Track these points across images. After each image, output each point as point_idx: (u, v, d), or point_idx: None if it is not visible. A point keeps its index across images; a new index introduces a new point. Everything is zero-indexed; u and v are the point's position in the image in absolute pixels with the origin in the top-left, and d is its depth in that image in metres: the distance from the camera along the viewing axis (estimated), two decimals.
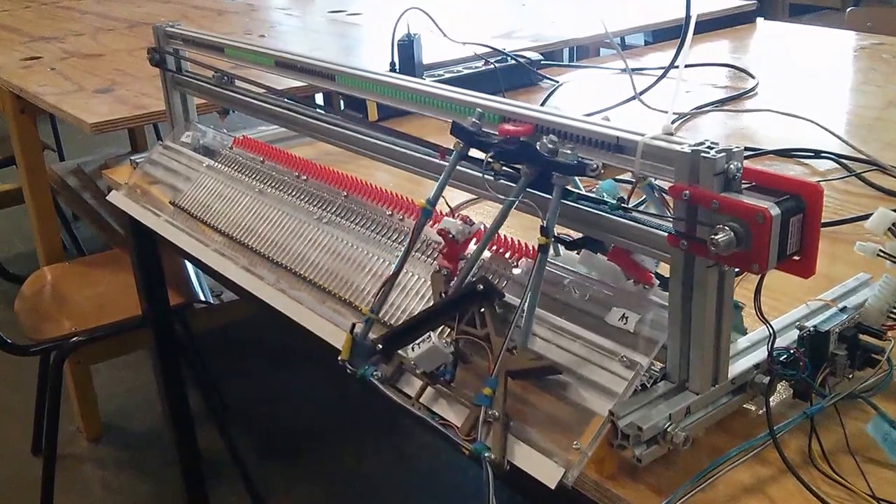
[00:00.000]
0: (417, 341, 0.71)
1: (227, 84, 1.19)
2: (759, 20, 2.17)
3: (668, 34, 2.06)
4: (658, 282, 0.70)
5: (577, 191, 0.72)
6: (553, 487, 0.62)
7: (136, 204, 1.23)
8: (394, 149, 0.93)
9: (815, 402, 0.66)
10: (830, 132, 1.28)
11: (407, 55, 1.52)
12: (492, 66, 1.61)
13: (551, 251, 0.75)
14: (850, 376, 0.68)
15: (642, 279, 0.70)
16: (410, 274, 0.82)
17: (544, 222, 0.69)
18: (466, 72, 1.59)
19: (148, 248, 1.41)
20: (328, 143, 1.04)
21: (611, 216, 0.69)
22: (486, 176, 0.74)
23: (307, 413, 2.16)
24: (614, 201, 0.70)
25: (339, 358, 0.76)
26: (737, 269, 0.63)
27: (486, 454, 0.63)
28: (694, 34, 0.86)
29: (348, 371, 0.75)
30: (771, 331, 0.64)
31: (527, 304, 0.70)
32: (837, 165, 1.19)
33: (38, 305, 1.76)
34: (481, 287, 0.71)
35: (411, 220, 0.87)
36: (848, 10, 2.57)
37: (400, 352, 0.73)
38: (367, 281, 0.86)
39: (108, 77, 1.68)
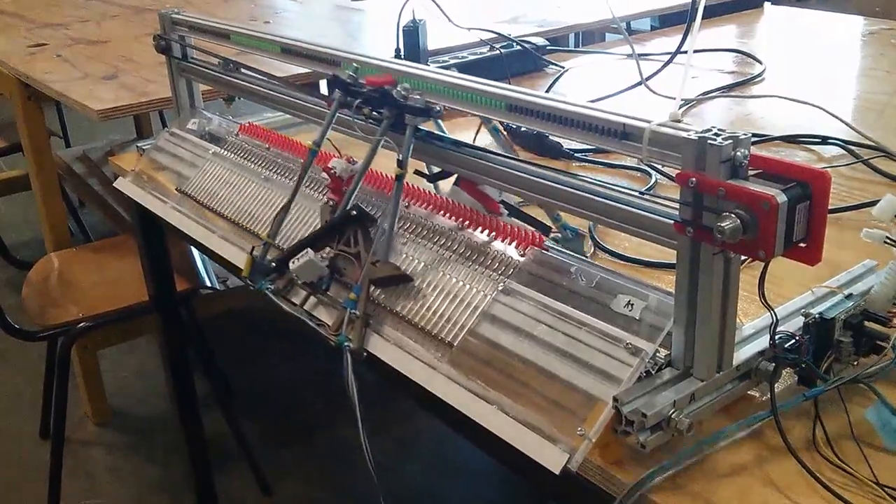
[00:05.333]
0: (297, 256, 0.84)
1: (232, 71, 1.19)
2: (767, 5, 2.16)
3: (674, 19, 2.06)
4: (506, 211, 0.84)
5: (442, 134, 0.86)
6: (557, 473, 0.62)
7: (142, 190, 1.23)
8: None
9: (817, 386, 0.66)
10: (837, 118, 1.28)
11: (412, 41, 1.51)
12: (497, 51, 1.61)
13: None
14: (856, 363, 0.68)
15: (491, 208, 0.84)
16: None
17: (400, 156, 0.82)
18: (472, 58, 1.58)
19: (154, 234, 1.42)
20: (334, 130, 1.04)
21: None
22: (356, 119, 0.87)
23: (312, 398, 2.17)
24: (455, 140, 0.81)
25: (241, 276, 0.89)
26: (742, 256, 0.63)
27: (347, 343, 0.78)
28: (701, 19, 0.86)
29: (248, 286, 0.89)
30: (773, 317, 0.65)
31: (387, 224, 0.83)
32: (844, 151, 1.18)
33: (46, 291, 1.77)
34: (354, 213, 0.85)
35: (417, 205, 0.87)
36: None
37: (290, 270, 0.86)
38: None
39: (114, 64, 1.68)
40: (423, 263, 0.82)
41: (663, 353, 0.67)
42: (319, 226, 0.90)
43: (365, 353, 0.78)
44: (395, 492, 1.85)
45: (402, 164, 0.82)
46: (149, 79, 1.56)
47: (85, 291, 1.75)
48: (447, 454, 1.98)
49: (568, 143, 1.21)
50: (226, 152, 1.15)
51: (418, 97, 0.82)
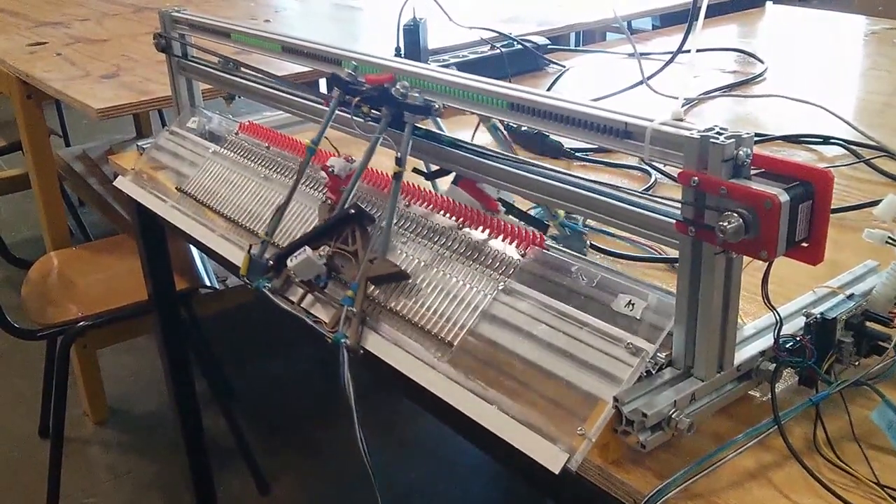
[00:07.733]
0: (295, 255, 0.84)
1: (232, 69, 1.19)
2: (768, 4, 2.16)
3: (675, 18, 2.05)
4: (504, 208, 0.84)
5: (440, 133, 0.87)
6: (557, 472, 0.62)
7: (142, 189, 1.22)
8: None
9: (820, 389, 0.65)
10: (839, 118, 1.27)
11: (412, 40, 1.51)
12: (498, 50, 1.60)
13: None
14: (857, 364, 0.68)
15: (489, 207, 0.84)
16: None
17: (398, 154, 0.82)
18: (472, 56, 1.58)
19: (154, 233, 1.41)
20: (333, 128, 1.04)
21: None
22: (354, 117, 0.87)
23: (311, 398, 2.16)
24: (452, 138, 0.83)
25: (239, 274, 0.89)
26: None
27: (343, 340, 0.78)
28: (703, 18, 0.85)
29: (245, 284, 0.89)
30: (777, 318, 0.64)
31: (384, 222, 0.83)
32: (846, 151, 1.18)
33: (45, 290, 1.76)
34: (353, 212, 0.85)
35: (417, 204, 0.87)
36: None
37: (287, 268, 0.85)
38: None
39: (114, 62, 1.68)
40: (422, 262, 0.82)
41: (664, 352, 0.67)
42: (317, 224, 0.90)
43: (362, 350, 0.78)
44: (394, 491, 1.85)
45: (400, 163, 0.82)
46: (149, 77, 1.55)
47: (84, 290, 1.75)
48: (447, 453, 1.97)
49: (568, 143, 1.20)
50: (226, 151, 1.15)
51: (417, 95, 0.82)
